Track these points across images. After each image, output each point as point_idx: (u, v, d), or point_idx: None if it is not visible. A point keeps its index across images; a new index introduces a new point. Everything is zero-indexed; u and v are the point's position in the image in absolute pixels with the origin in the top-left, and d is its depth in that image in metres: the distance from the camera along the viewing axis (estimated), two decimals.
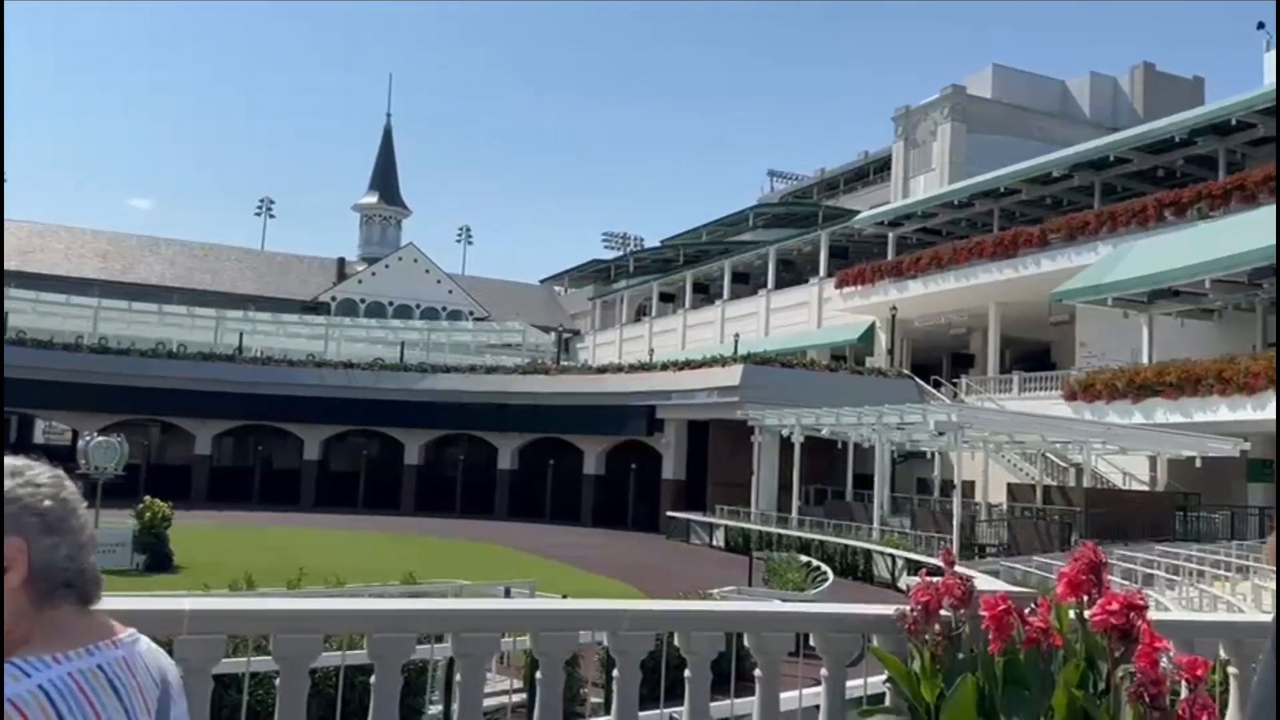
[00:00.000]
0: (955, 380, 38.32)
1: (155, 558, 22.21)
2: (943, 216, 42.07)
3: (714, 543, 32.97)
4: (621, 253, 72.93)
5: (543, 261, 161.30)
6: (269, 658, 3.31)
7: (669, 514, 36.36)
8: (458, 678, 3.47)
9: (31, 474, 1.28)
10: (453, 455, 44.55)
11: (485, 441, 43.48)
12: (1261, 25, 40.03)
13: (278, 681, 3.14)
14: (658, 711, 4.28)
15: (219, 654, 2.95)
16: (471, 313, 65.79)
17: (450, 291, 67.58)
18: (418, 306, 65.56)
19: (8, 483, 1.25)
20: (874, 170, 58.08)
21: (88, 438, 23.30)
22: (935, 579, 3.38)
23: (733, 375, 35.16)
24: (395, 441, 44.57)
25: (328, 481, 44.59)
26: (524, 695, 7.50)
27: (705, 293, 56.20)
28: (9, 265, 56.03)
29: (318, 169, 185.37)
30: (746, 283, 52.70)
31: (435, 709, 8.74)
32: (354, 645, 5.06)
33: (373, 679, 3.21)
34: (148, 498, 23.46)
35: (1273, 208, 24.23)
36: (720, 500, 34.50)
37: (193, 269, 65.29)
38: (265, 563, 17.97)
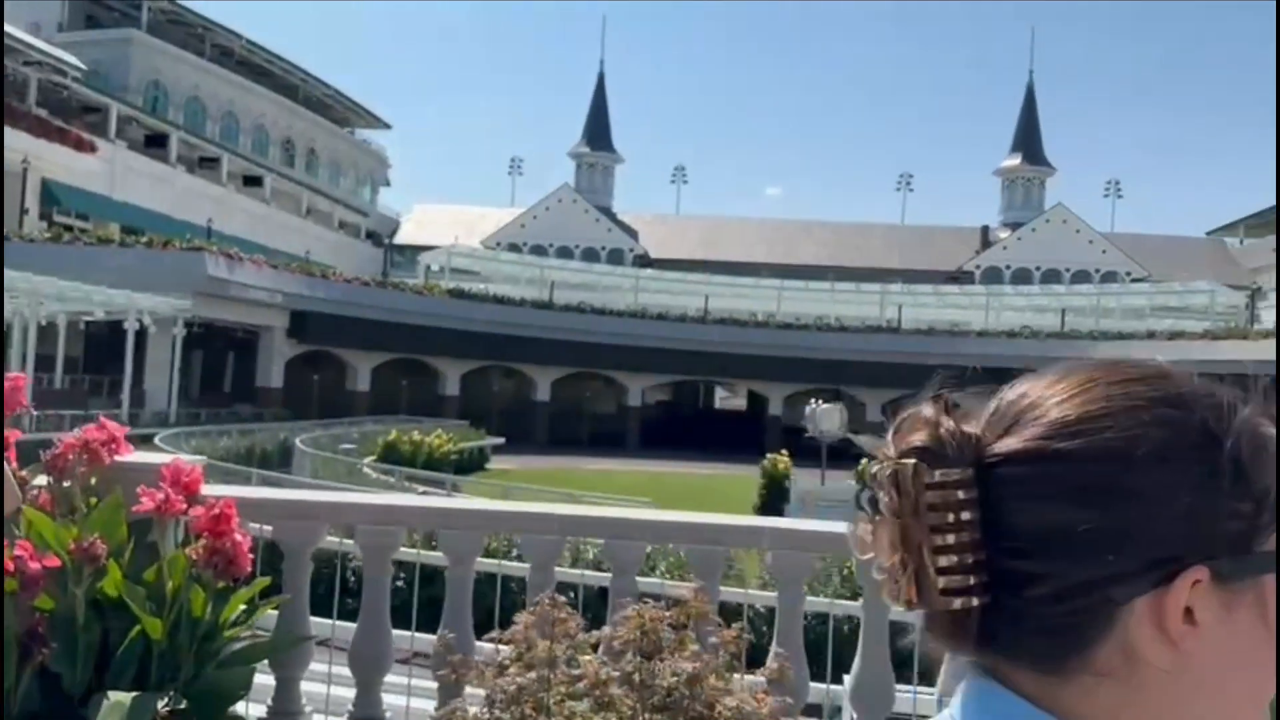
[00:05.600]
0: None
1: None
2: None
3: None
4: None
5: (1209, 211, 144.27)
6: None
7: None
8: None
9: None
10: None
11: None
12: None
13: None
14: None
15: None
16: (1129, 274, 60.79)
17: (1104, 252, 63.20)
18: (1067, 271, 62.36)
19: None
20: None
21: (813, 404, 25.68)
22: None
23: None
24: None
25: None
26: None
27: None
28: (700, 255, 64.32)
29: (956, 138, 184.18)
30: None
31: None
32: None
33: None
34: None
35: None
36: None
37: (842, 247, 69.10)
38: None
